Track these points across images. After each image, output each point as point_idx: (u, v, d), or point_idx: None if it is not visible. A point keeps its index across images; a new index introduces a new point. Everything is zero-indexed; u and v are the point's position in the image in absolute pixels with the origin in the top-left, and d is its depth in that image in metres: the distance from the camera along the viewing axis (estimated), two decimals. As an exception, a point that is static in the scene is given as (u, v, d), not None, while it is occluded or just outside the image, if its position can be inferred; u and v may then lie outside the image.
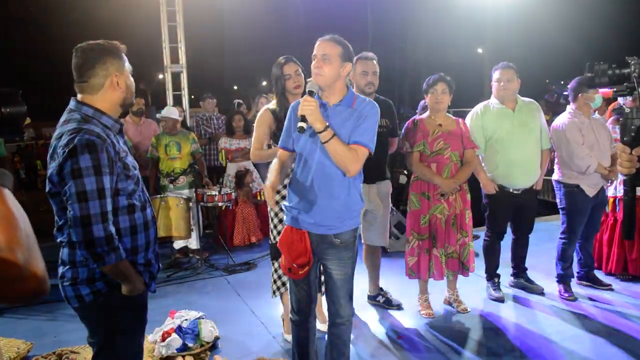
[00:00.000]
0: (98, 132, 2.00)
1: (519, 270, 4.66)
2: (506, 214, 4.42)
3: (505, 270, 4.67)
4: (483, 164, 4.34)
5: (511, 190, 4.31)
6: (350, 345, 3.00)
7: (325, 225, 2.69)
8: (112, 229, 1.99)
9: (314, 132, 2.58)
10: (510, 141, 4.22)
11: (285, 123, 2.81)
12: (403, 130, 4.21)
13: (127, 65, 2.16)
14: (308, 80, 2.89)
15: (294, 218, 2.74)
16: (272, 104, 3.64)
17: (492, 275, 4.55)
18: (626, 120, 1.74)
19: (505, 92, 4.25)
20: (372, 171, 4.06)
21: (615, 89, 1.79)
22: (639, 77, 1.70)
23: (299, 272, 2.72)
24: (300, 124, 2.52)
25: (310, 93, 2.58)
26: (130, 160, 2.16)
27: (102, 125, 2.07)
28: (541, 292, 4.52)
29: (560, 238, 4.50)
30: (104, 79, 2.08)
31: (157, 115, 6.11)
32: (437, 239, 4.05)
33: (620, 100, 4.45)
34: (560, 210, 4.52)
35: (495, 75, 4.29)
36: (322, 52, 2.62)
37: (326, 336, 2.99)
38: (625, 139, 1.75)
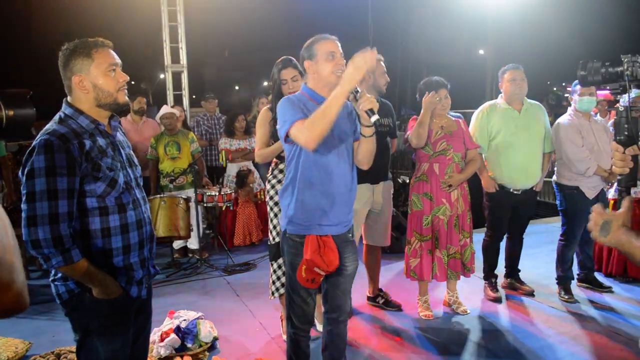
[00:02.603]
0: (62, 133, 1.98)
1: (512, 271, 4.66)
2: (506, 214, 4.42)
3: (499, 272, 4.67)
4: (485, 163, 4.35)
5: (511, 190, 4.31)
6: (350, 347, 2.99)
7: (342, 223, 2.71)
8: (64, 231, 1.94)
9: (340, 128, 2.60)
10: (514, 143, 4.22)
11: (297, 108, 2.58)
12: (404, 131, 4.21)
13: (103, 63, 2.06)
14: None
15: (315, 225, 2.63)
16: None
17: (489, 275, 4.55)
18: (620, 119, 1.73)
19: (521, 90, 4.27)
20: (375, 171, 4.06)
21: (607, 87, 1.78)
22: (632, 75, 1.69)
23: (320, 279, 2.65)
24: (375, 117, 2.50)
25: (356, 89, 2.55)
26: (108, 161, 2.08)
27: (77, 125, 2.05)
28: (531, 294, 4.52)
29: (560, 240, 4.50)
30: (69, 80, 2.07)
31: (156, 118, 6.12)
32: (440, 240, 4.05)
33: (622, 100, 4.43)
34: (560, 212, 4.52)
35: (509, 75, 4.29)
36: (340, 50, 2.62)
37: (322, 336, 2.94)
38: (618, 137, 1.73)
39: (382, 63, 4.08)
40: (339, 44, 2.64)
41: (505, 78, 4.32)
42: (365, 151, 2.71)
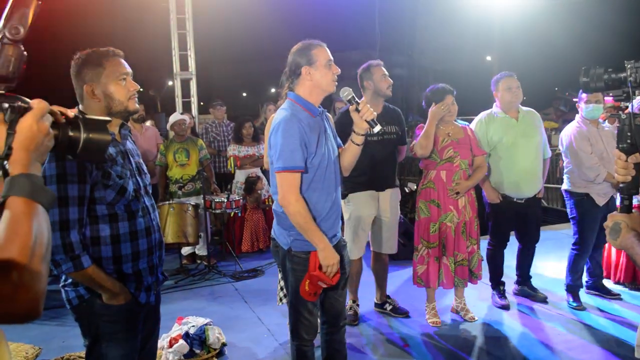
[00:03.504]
0: None
1: (524, 278, 4.65)
2: (509, 223, 4.42)
3: (509, 279, 4.66)
4: (487, 173, 4.34)
5: (515, 199, 4.30)
6: (357, 353, 2.98)
7: (338, 232, 2.71)
8: (75, 238, 1.97)
9: (331, 139, 2.63)
10: (515, 150, 4.22)
11: (298, 141, 2.45)
12: (414, 137, 4.20)
13: (114, 73, 2.09)
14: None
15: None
16: None
17: (497, 283, 4.53)
18: (623, 127, 1.72)
19: (517, 98, 4.26)
20: (381, 179, 4.08)
21: (610, 94, 1.77)
22: (635, 82, 1.67)
23: (320, 291, 2.64)
24: (378, 127, 2.54)
25: (355, 99, 2.58)
26: (118, 169, 2.11)
27: None
28: (544, 300, 4.50)
29: (573, 248, 4.45)
30: (81, 89, 2.11)
31: (168, 126, 6.18)
32: (447, 247, 4.05)
33: (630, 107, 4.40)
34: (571, 220, 4.48)
35: (504, 83, 4.28)
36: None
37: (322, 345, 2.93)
38: (621, 145, 1.72)
39: (382, 67, 4.06)
40: None
41: (500, 87, 4.31)
42: (351, 158, 2.71)
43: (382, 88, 4.03)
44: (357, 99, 2.58)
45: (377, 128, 2.53)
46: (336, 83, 2.60)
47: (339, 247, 2.71)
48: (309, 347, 2.78)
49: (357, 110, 2.55)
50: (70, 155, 1.24)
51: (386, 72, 4.05)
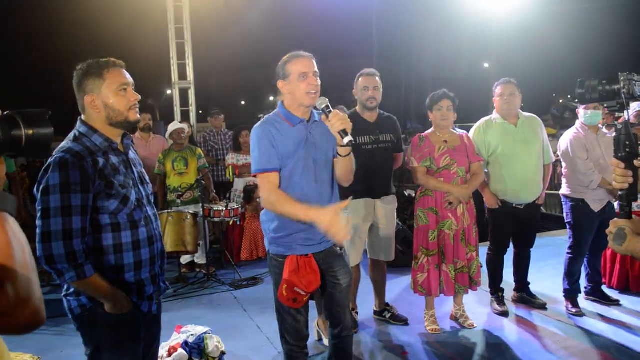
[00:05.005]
0: (76, 151, 2.03)
1: (522, 284, 4.65)
2: (509, 228, 4.43)
3: (508, 285, 4.66)
4: (486, 179, 4.36)
5: (514, 205, 4.31)
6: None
7: (325, 240, 2.66)
8: (78, 247, 1.98)
9: (317, 148, 2.62)
10: (513, 157, 4.23)
11: (268, 143, 2.55)
12: (410, 146, 4.23)
13: (114, 83, 2.11)
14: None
15: (296, 246, 2.63)
16: None
17: (496, 289, 4.54)
18: (619, 136, 1.74)
19: (509, 105, 4.27)
20: (377, 186, 4.09)
21: (605, 105, 1.80)
22: (628, 93, 1.71)
23: (304, 299, 2.63)
24: (347, 138, 2.46)
25: (328, 108, 2.54)
26: (120, 179, 2.12)
27: (91, 143, 2.10)
28: (543, 307, 4.50)
29: (567, 253, 4.49)
30: (82, 100, 2.13)
31: (166, 134, 6.20)
32: (446, 254, 4.05)
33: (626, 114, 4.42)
34: (567, 224, 4.51)
35: (498, 90, 4.33)
36: (314, 69, 2.59)
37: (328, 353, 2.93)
38: (619, 154, 1.75)
39: (375, 78, 4.04)
40: (314, 62, 2.61)
41: (496, 93, 4.35)
42: (343, 169, 2.68)
43: (362, 100, 4.05)
44: (331, 108, 2.54)
45: (347, 139, 2.45)
46: (313, 95, 2.55)
47: (327, 256, 2.71)
48: (299, 353, 2.77)
49: (328, 119, 2.52)
50: (15, 153, 1.20)
51: (372, 84, 4.01)
